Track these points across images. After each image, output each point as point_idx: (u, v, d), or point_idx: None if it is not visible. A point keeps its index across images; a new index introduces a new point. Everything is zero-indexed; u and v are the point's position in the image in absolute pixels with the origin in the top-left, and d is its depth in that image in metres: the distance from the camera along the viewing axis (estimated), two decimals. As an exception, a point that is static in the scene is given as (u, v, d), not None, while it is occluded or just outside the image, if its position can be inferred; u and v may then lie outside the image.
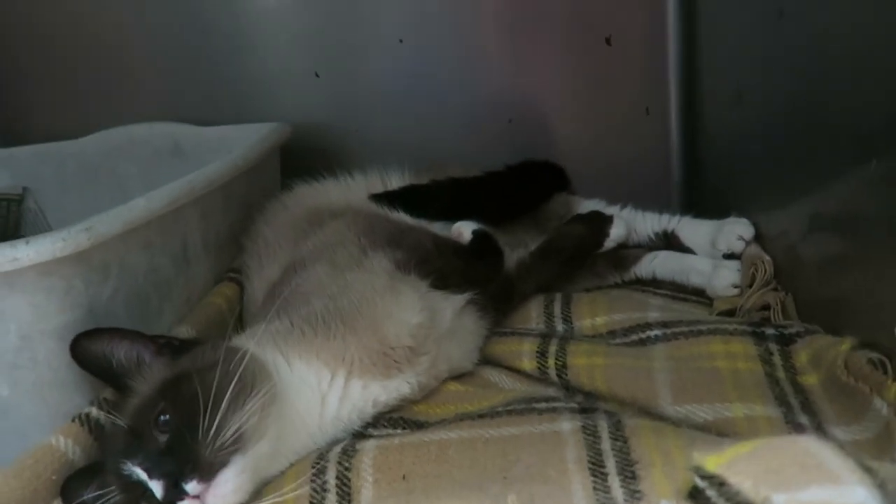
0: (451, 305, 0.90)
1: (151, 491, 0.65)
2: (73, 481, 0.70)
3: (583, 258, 1.11)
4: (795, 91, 0.96)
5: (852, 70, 0.80)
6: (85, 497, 0.69)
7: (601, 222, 1.10)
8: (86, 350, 0.75)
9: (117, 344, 0.75)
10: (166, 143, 1.38)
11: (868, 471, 0.49)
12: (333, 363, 0.79)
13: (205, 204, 0.99)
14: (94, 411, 0.76)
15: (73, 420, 0.75)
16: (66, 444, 0.73)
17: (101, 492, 0.69)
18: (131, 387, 0.75)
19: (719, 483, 0.55)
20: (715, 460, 0.55)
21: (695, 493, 0.60)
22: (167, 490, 0.64)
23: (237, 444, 0.67)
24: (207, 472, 0.64)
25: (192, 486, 0.63)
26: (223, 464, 0.66)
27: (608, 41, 1.35)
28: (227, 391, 0.68)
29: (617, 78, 1.39)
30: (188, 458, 0.65)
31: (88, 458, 0.74)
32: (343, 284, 0.85)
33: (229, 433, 0.66)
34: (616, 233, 1.10)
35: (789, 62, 0.97)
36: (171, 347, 0.78)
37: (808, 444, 0.51)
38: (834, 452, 0.50)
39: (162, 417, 0.68)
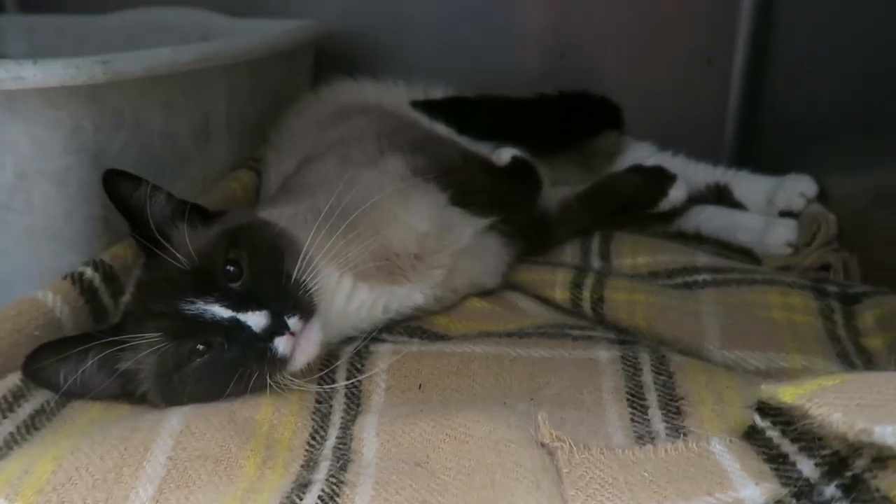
0: (473, 225, 0.83)
1: (225, 329, 0.62)
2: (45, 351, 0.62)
3: (632, 212, 1.00)
4: (872, 56, 0.90)
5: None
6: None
7: (662, 179, 0.99)
8: (118, 185, 0.67)
9: (153, 194, 0.67)
10: (195, 30, 1.28)
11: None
12: (336, 260, 0.72)
13: (232, 78, 0.91)
14: (89, 272, 0.70)
15: (64, 277, 0.68)
16: (55, 301, 0.66)
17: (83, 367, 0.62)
18: (168, 236, 0.67)
19: (788, 421, 0.49)
20: (793, 391, 0.48)
21: (752, 433, 0.53)
22: (272, 320, 0.62)
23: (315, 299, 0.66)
24: (307, 312, 0.64)
25: (293, 322, 0.63)
26: (316, 307, 0.66)
27: (671, -18, 1.26)
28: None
29: (679, 24, 1.28)
30: (287, 296, 0.64)
31: (77, 320, 0.68)
32: (349, 181, 0.78)
33: (312, 284, 0.66)
34: (676, 195, 0.98)
35: (868, 25, 0.91)
36: (199, 213, 0.71)
37: (912, 381, 0.44)
38: (941, 393, 0.43)
39: (229, 267, 0.65)
